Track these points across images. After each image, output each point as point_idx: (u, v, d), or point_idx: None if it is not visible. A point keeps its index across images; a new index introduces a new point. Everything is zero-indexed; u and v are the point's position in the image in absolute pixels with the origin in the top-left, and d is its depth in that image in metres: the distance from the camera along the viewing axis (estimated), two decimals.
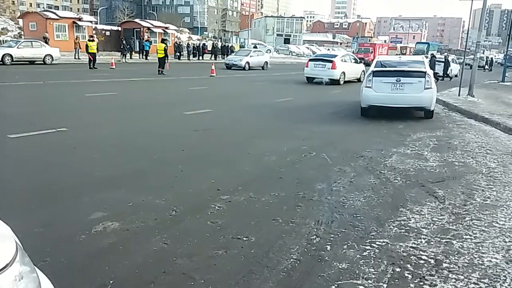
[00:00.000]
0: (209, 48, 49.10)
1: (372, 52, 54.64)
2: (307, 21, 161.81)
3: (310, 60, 23.71)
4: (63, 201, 4.72)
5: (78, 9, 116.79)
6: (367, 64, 32.59)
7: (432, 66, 30.42)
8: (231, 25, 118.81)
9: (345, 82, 22.13)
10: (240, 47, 58.74)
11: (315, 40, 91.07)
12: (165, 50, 23.64)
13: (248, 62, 31.77)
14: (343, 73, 22.03)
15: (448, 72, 29.27)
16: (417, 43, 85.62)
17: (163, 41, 24.44)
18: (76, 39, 33.84)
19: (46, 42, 31.06)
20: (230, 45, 53.91)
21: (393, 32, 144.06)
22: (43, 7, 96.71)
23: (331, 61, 21.74)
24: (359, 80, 22.67)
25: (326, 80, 21.64)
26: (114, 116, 10.31)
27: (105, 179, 5.54)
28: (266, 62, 33.92)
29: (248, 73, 28.49)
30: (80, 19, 40.58)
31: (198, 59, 44.69)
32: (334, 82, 21.53)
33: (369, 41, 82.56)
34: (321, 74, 21.93)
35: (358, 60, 25.90)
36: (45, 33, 34.01)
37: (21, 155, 6.67)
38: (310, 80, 22.57)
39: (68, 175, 5.67)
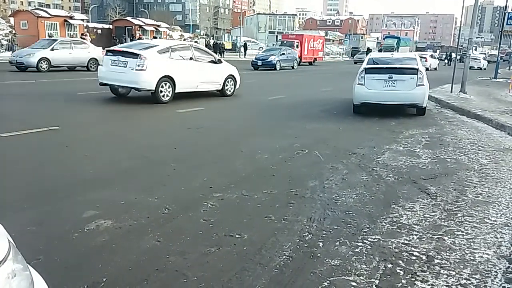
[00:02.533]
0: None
1: (298, 46, 42.05)
2: (299, 18, 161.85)
3: None
4: (55, 200, 4.70)
5: (70, 7, 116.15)
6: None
7: None
8: (223, 22, 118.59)
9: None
10: (232, 45, 58.68)
11: None
12: None
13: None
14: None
15: None
16: (386, 37, 78.27)
17: (154, 38, 24.38)
18: (72, 37, 33.65)
19: (13, 42, 30.77)
20: (220, 42, 53.80)
21: (386, 29, 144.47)
22: (34, 6, 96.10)
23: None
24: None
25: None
26: (107, 115, 10.28)
27: (98, 178, 5.53)
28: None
29: (240, 71, 28.42)
30: (71, 17, 40.25)
31: None
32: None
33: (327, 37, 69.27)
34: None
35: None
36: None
37: (13, 153, 6.63)
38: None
39: (60, 174, 5.65)
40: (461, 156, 7.38)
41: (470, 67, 28.94)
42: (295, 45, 40.86)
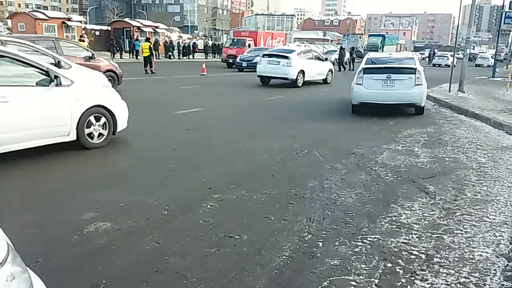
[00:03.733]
0: (200, 47, 48.99)
1: (251, 45, 35.63)
2: (297, 19, 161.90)
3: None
4: (54, 202, 4.70)
5: (67, 9, 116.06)
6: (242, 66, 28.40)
7: (341, 57, 33.60)
8: (221, 23, 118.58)
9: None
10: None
11: (306, 37, 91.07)
12: (150, 48, 23.54)
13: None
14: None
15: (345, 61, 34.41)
16: (370, 35, 72.52)
17: (147, 40, 24.26)
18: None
19: None
20: (219, 43, 53.77)
21: (384, 29, 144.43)
22: (32, 8, 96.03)
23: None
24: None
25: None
26: None
27: (97, 179, 5.53)
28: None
29: (244, 72, 28.38)
30: (69, 19, 40.29)
31: (189, 58, 44.60)
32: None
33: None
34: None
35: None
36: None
37: (10, 155, 6.62)
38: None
39: (58, 176, 5.65)
40: (459, 155, 7.39)
41: (479, 65, 30.45)
42: (247, 44, 34.79)
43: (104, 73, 12.84)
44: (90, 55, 14.10)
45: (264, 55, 19.13)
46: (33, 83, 6.19)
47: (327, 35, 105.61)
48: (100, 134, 7.04)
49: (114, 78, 14.41)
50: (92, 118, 6.88)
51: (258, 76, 19.37)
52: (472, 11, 16.82)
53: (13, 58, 5.93)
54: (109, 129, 7.19)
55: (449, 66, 39.39)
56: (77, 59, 12.72)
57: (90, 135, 6.89)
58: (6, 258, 1.52)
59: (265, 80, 19.40)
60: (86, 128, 6.79)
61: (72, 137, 6.70)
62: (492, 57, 50.29)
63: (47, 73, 6.28)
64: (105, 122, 7.09)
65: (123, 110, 7.60)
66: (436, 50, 62.91)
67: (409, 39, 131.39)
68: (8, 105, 5.73)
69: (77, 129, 6.67)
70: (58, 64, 9.52)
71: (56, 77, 6.31)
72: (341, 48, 35.82)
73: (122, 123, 7.46)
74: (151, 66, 23.67)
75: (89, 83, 7.58)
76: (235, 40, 37.38)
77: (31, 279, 1.63)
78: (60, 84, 6.37)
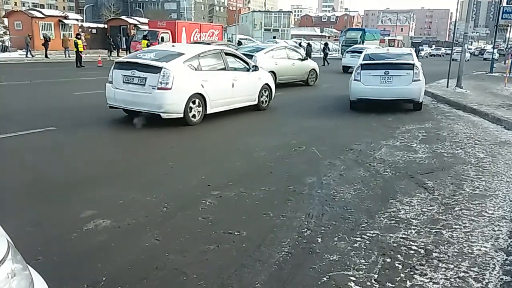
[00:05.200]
0: None
1: (169, 38, 29.66)
2: (294, 15, 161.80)
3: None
4: (53, 200, 4.70)
5: (64, 7, 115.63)
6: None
7: (308, 54, 32.04)
8: (218, 20, 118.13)
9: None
10: (228, 41, 58.32)
11: (303, 34, 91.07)
12: (148, 46, 23.48)
13: None
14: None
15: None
16: (348, 29, 66.50)
17: (144, 37, 24.11)
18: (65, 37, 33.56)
19: (28, 43, 30.64)
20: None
21: (381, 25, 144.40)
22: (28, 6, 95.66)
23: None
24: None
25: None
26: (103, 115, 10.24)
27: (95, 177, 5.52)
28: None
29: None
30: (66, 17, 40.20)
31: None
32: None
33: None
34: None
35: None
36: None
37: (10, 155, 6.63)
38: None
39: (57, 174, 5.64)
40: (457, 150, 7.40)
41: (487, 59, 31.35)
42: (160, 38, 28.12)
43: None
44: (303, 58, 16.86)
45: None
46: (244, 69, 10.51)
47: (324, 32, 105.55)
48: (265, 101, 11.34)
49: None
50: (263, 91, 11.19)
51: None
52: (470, 6, 16.80)
53: (234, 55, 10.56)
54: (270, 98, 11.54)
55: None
56: None
57: (263, 102, 11.21)
58: (6, 256, 1.52)
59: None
60: (260, 97, 11.09)
61: (255, 102, 10.98)
62: (498, 52, 51.45)
63: (247, 63, 10.75)
64: (268, 93, 11.42)
65: (274, 87, 11.78)
66: (420, 47, 63.43)
67: (407, 34, 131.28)
68: (237, 82, 9.97)
69: (258, 97, 11.02)
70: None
71: (252, 66, 10.84)
72: (308, 44, 35.46)
73: (273, 95, 11.71)
74: None
75: (262, 69, 11.71)
76: (147, 33, 29.40)
77: (31, 276, 1.63)
78: (253, 69, 10.76)
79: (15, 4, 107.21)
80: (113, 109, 9.19)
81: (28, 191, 5.00)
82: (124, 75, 8.73)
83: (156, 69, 8.42)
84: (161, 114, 8.44)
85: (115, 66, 9.09)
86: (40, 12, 39.94)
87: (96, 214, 4.26)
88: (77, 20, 42.31)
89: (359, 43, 52.33)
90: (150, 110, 8.54)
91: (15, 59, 29.93)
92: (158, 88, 8.33)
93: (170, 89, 8.31)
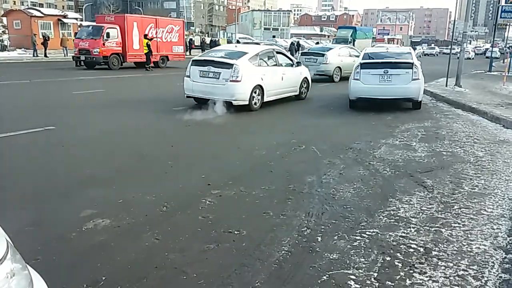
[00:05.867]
0: (197, 43, 48.83)
1: (110, 36, 23.57)
2: (294, 14, 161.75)
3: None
4: (52, 200, 4.70)
5: (63, 6, 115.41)
6: (94, 63, 22.80)
7: (292, 53, 32.64)
8: (218, 19, 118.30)
9: None
10: (228, 42, 58.38)
11: (302, 33, 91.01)
12: (148, 45, 23.42)
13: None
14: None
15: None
16: (339, 27, 63.02)
17: (145, 36, 24.05)
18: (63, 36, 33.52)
19: (34, 42, 30.61)
20: (216, 39, 53.62)
21: (381, 24, 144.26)
22: (27, 5, 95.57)
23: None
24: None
25: None
26: (102, 113, 10.25)
27: (95, 177, 5.52)
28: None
29: None
30: (65, 16, 40.12)
31: (186, 54, 44.45)
32: None
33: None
34: None
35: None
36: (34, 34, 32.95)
37: (9, 154, 6.62)
38: None
39: (57, 174, 5.64)
40: (457, 149, 7.41)
41: (488, 57, 31.64)
42: (104, 35, 23.11)
43: None
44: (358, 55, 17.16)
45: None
46: (289, 65, 12.59)
47: (324, 31, 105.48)
48: (304, 92, 13.42)
49: None
50: (303, 84, 13.27)
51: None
52: (469, 5, 16.81)
53: (282, 54, 12.80)
54: (308, 90, 13.61)
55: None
56: None
57: (302, 92, 13.30)
58: (5, 255, 1.51)
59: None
60: (301, 88, 13.21)
61: (297, 92, 13.08)
62: (499, 51, 51.80)
63: (291, 60, 12.96)
64: (307, 85, 13.53)
65: (311, 80, 13.87)
66: (414, 47, 63.86)
67: (406, 33, 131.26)
68: (285, 75, 12.03)
69: (299, 88, 13.11)
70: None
71: (295, 62, 13.03)
72: (292, 44, 34.96)
73: (310, 87, 13.81)
74: (148, 63, 23.62)
75: (303, 65, 13.67)
76: (90, 28, 25.27)
77: (31, 276, 1.63)
78: (296, 65, 12.89)
79: (14, 3, 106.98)
80: (111, 108, 9.17)
81: (27, 191, 5.00)
82: (201, 70, 10.81)
83: (229, 65, 10.41)
84: (233, 101, 10.43)
85: (192, 63, 11.16)
86: (39, 11, 39.84)
87: (96, 214, 4.26)
88: (76, 19, 42.23)
89: (350, 43, 50.72)
90: (223, 99, 10.44)
91: (14, 58, 29.91)
92: (231, 81, 10.35)
93: (240, 81, 10.34)
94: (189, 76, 11.08)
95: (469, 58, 49.68)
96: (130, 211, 4.36)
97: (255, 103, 10.90)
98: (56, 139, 7.50)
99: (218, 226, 4.07)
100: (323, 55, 19.35)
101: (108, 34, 23.31)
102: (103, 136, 8.00)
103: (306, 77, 13.37)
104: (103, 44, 22.97)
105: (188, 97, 11.18)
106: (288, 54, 15.40)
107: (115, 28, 23.93)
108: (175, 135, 8.23)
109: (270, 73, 11.42)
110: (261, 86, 10.98)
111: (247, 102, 10.60)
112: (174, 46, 27.82)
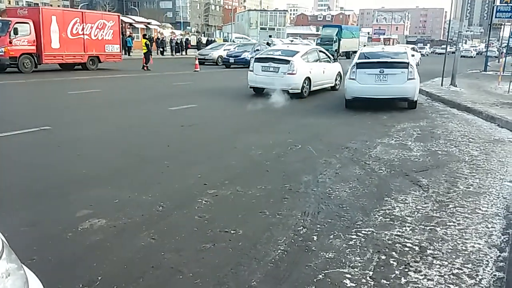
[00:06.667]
0: (193, 43, 48.83)
1: (18, 32, 19.13)
2: (290, 14, 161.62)
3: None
4: (48, 200, 4.69)
5: (58, 5, 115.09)
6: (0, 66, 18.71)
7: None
8: (214, 19, 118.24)
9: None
10: (224, 41, 58.28)
11: (298, 33, 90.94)
12: (147, 45, 23.44)
13: None
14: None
15: None
16: (324, 26, 58.86)
17: (144, 36, 24.03)
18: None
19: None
20: (212, 39, 53.60)
21: (376, 23, 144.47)
22: (22, 4, 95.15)
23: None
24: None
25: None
26: (98, 114, 10.23)
27: (91, 177, 5.51)
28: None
29: (231, 68, 28.30)
30: None
31: (182, 54, 44.46)
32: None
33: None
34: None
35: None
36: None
37: (5, 154, 6.60)
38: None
39: (52, 174, 5.63)
40: (452, 148, 7.44)
41: (488, 56, 31.82)
42: (11, 31, 18.84)
43: None
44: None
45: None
46: (327, 61, 15.39)
47: (320, 31, 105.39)
48: (337, 84, 15.76)
49: None
50: (337, 77, 15.80)
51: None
52: (464, 5, 16.87)
53: (323, 52, 15.57)
54: (341, 82, 15.39)
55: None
56: None
57: (336, 84, 15.74)
58: (1, 255, 1.51)
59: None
60: (335, 80, 15.76)
61: (333, 84, 15.61)
62: (497, 50, 52.19)
63: (328, 56, 15.65)
64: (340, 79, 15.78)
65: (342, 73, 15.45)
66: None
67: (402, 33, 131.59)
68: (325, 70, 14.86)
69: (334, 80, 15.65)
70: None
71: (332, 59, 15.94)
72: (267, 43, 33.96)
73: (342, 81, 14.56)
74: (146, 63, 23.65)
75: (337, 62, 16.94)
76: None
77: (26, 276, 1.63)
78: (333, 61, 15.93)
79: (9, 3, 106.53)
80: (109, 111, 9.14)
81: (23, 191, 4.99)
82: (262, 66, 13.60)
83: (287, 61, 13.23)
84: (289, 90, 13.06)
85: (255, 60, 14.12)
86: None
87: (92, 214, 4.26)
88: None
89: (335, 42, 46.74)
90: (281, 88, 12.98)
91: None
92: (288, 74, 13.07)
93: (295, 74, 13.11)
94: (252, 71, 13.84)
95: (471, 57, 54.31)
96: (126, 211, 4.36)
97: (305, 92, 13.50)
98: (52, 139, 7.49)
99: (214, 225, 4.07)
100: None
101: (16, 30, 18.93)
102: (99, 136, 7.97)
103: (339, 71, 16.08)
104: (10, 42, 18.77)
105: (251, 87, 14.01)
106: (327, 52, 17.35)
107: (27, 23, 19.45)
108: (171, 135, 8.22)
109: (315, 67, 14.20)
110: (309, 78, 13.68)
111: (299, 91, 13.22)
112: (108, 45, 23.37)
